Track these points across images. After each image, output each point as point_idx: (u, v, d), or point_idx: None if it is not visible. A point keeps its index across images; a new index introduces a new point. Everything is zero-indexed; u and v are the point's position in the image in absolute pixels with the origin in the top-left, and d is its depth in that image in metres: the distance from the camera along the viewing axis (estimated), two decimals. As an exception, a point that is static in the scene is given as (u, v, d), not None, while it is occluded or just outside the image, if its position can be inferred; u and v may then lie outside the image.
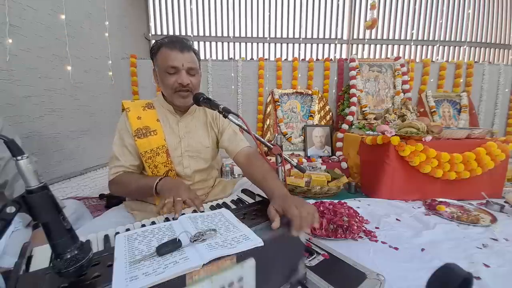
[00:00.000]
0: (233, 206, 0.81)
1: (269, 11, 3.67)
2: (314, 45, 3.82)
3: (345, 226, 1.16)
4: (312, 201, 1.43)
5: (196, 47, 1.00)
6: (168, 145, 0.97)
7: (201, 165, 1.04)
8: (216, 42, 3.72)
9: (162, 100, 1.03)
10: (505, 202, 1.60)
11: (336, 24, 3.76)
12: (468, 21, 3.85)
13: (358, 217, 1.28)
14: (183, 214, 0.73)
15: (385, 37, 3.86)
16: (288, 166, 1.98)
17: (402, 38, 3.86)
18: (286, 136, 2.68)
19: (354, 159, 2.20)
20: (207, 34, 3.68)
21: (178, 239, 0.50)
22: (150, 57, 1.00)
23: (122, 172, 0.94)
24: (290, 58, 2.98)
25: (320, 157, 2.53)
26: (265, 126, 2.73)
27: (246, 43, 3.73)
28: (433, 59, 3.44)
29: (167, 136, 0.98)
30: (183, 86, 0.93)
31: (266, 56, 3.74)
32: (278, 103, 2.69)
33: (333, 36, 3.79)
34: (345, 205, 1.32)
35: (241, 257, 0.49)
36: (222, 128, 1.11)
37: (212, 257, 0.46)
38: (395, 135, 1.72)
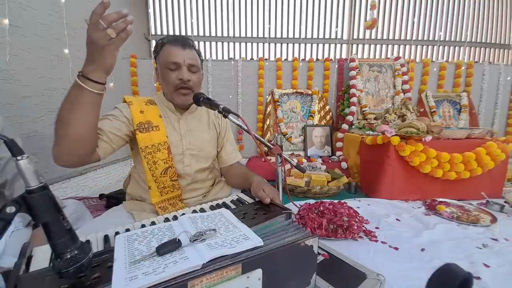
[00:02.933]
0: (233, 206, 0.81)
1: (269, 11, 3.67)
2: (314, 45, 3.83)
3: (345, 226, 1.16)
4: (312, 201, 1.43)
5: (196, 47, 1.03)
6: (169, 142, 0.97)
7: (202, 164, 1.04)
8: (216, 42, 3.72)
9: (162, 98, 1.02)
10: (505, 202, 1.60)
11: (336, 24, 3.76)
12: (468, 21, 3.85)
13: (358, 217, 1.27)
14: (183, 214, 0.73)
15: (385, 37, 3.86)
16: (288, 166, 1.98)
17: (402, 38, 3.86)
18: (286, 136, 2.68)
19: (354, 159, 2.20)
20: (207, 34, 3.69)
21: (178, 239, 0.50)
22: (153, 56, 1.00)
23: None
24: (290, 58, 2.98)
25: (320, 157, 2.53)
26: (265, 126, 2.73)
27: (246, 43, 3.73)
28: (433, 59, 3.44)
29: (169, 132, 0.98)
30: (183, 82, 0.93)
31: (266, 56, 3.74)
32: (278, 103, 2.69)
33: (333, 36, 3.79)
34: (345, 205, 1.32)
35: (247, 267, 0.47)
36: (222, 131, 1.13)
37: (212, 256, 0.46)
38: (395, 135, 1.72)
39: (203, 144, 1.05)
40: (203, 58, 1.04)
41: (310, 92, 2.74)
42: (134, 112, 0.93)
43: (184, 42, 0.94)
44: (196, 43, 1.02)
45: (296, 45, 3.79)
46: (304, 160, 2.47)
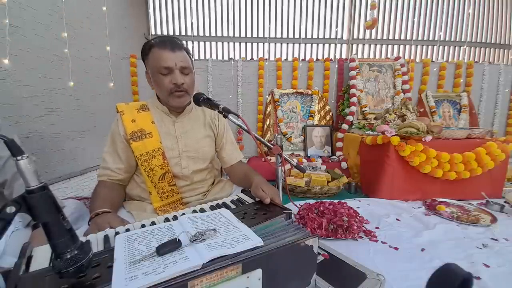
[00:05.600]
0: (233, 206, 0.81)
1: (269, 11, 3.67)
2: (314, 45, 3.82)
3: (345, 226, 1.16)
4: (312, 201, 1.43)
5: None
6: (164, 147, 0.97)
7: (199, 165, 1.04)
8: (216, 42, 3.72)
9: (156, 102, 1.01)
10: (505, 202, 1.60)
11: (336, 24, 3.76)
12: (468, 21, 3.84)
13: (358, 217, 1.28)
14: (183, 214, 0.73)
15: (385, 37, 3.85)
16: (288, 166, 1.97)
17: (402, 38, 3.85)
18: (286, 136, 2.68)
19: (354, 159, 2.20)
20: (207, 34, 3.68)
21: (178, 239, 0.50)
22: (141, 59, 0.98)
23: (105, 181, 0.95)
24: (290, 58, 2.97)
25: (320, 157, 2.53)
26: (265, 126, 2.73)
27: (246, 43, 3.73)
28: (433, 59, 3.44)
29: (163, 137, 0.98)
30: (177, 86, 0.91)
31: (266, 56, 3.73)
32: (278, 103, 2.69)
33: (333, 36, 3.79)
34: (345, 205, 1.32)
35: (247, 267, 0.47)
36: (221, 132, 1.12)
37: (212, 256, 0.46)
38: (395, 135, 1.72)
39: (199, 145, 1.04)
40: (193, 56, 1.02)
41: (310, 92, 2.74)
42: (126, 122, 0.94)
43: (173, 44, 0.91)
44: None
45: (296, 45, 3.79)
46: (304, 160, 2.46)
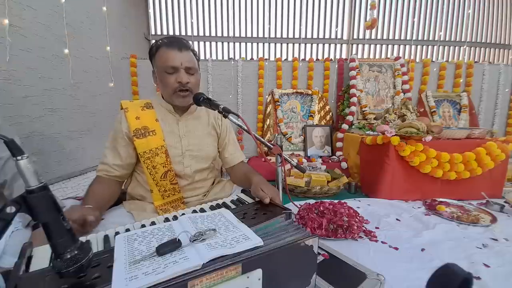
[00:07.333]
0: (233, 206, 0.81)
1: (269, 11, 3.67)
2: (314, 45, 3.83)
3: (345, 226, 1.16)
4: (312, 201, 1.43)
5: (196, 47, 1.02)
6: (167, 145, 0.97)
7: (202, 164, 1.04)
8: (216, 42, 3.72)
9: (161, 100, 1.02)
10: (505, 202, 1.60)
11: (336, 24, 3.77)
12: (468, 21, 3.85)
13: (358, 217, 1.28)
14: (183, 214, 0.73)
15: (385, 37, 3.86)
16: (288, 166, 1.97)
17: (402, 38, 3.86)
18: (286, 136, 2.68)
19: (354, 159, 2.20)
20: (207, 34, 3.69)
21: (178, 239, 0.50)
22: (149, 58, 0.99)
23: (102, 176, 0.95)
24: (290, 58, 2.98)
25: (320, 157, 2.53)
26: (265, 126, 2.73)
27: (246, 43, 3.73)
28: (433, 59, 3.44)
29: (167, 136, 0.98)
30: (182, 85, 0.92)
31: (266, 56, 3.74)
32: (278, 103, 2.69)
33: (333, 36, 3.79)
34: (345, 205, 1.32)
35: (247, 267, 0.47)
36: (224, 132, 1.12)
37: (212, 256, 0.46)
38: (395, 135, 1.72)
39: (203, 144, 1.04)
40: (199, 57, 1.03)
41: (310, 92, 2.74)
42: (130, 119, 0.95)
43: (180, 44, 0.92)
44: (196, 43, 1.02)
45: (296, 45, 3.79)
46: (304, 160, 2.46)
